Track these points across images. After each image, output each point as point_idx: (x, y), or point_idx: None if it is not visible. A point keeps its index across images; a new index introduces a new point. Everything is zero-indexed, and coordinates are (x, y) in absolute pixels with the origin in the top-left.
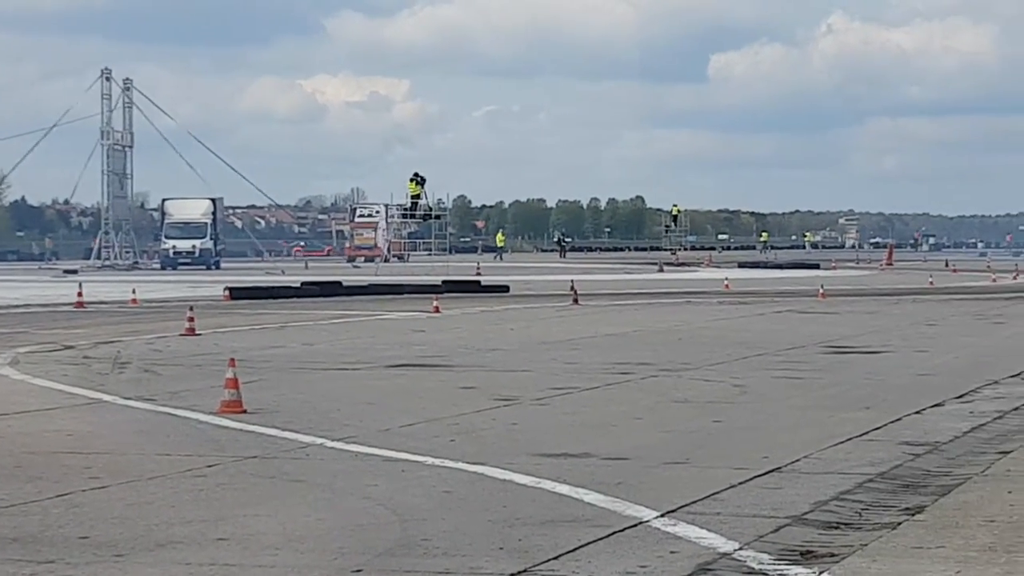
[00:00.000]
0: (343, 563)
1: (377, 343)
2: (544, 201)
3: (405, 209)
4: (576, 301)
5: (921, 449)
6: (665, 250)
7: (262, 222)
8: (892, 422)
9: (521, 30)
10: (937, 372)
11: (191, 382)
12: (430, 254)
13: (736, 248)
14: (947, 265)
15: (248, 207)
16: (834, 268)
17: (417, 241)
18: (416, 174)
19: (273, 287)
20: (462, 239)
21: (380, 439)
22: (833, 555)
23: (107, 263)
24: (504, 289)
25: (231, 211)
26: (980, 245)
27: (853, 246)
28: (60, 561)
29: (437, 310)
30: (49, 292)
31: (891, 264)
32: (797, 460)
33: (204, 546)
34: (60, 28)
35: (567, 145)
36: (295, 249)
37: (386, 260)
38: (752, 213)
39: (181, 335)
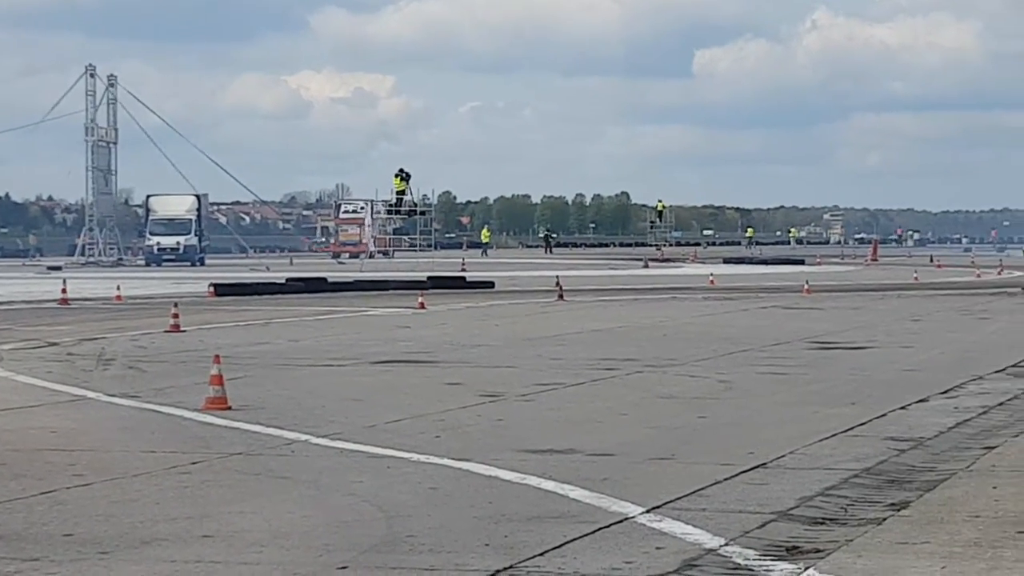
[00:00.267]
0: (328, 560)
1: (362, 339)
2: (529, 197)
3: (390, 205)
4: (561, 297)
5: (906, 445)
6: (650, 246)
7: (247, 218)
8: (877, 418)
9: (506, 26)
10: (922, 368)
11: (176, 379)
12: (415, 250)
13: (721, 244)
14: (932, 261)
15: (233, 203)
16: (819, 264)
17: (402, 237)
18: (401, 170)
19: (258, 283)
20: (447, 235)
21: (365, 435)
22: (818, 551)
23: (91, 260)
24: (489, 285)
25: (216, 207)
26: (964, 240)
27: (838, 242)
28: (44, 559)
29: (422, 306)
30: (33, 289)
31: (876, 260)
32: (782, 456)
33: (189, 543)
34: (43, 24)
35: (552, 141)
36: (313, 246)
37: (371, 256)
38: (737, 209)
39: (166, 332)
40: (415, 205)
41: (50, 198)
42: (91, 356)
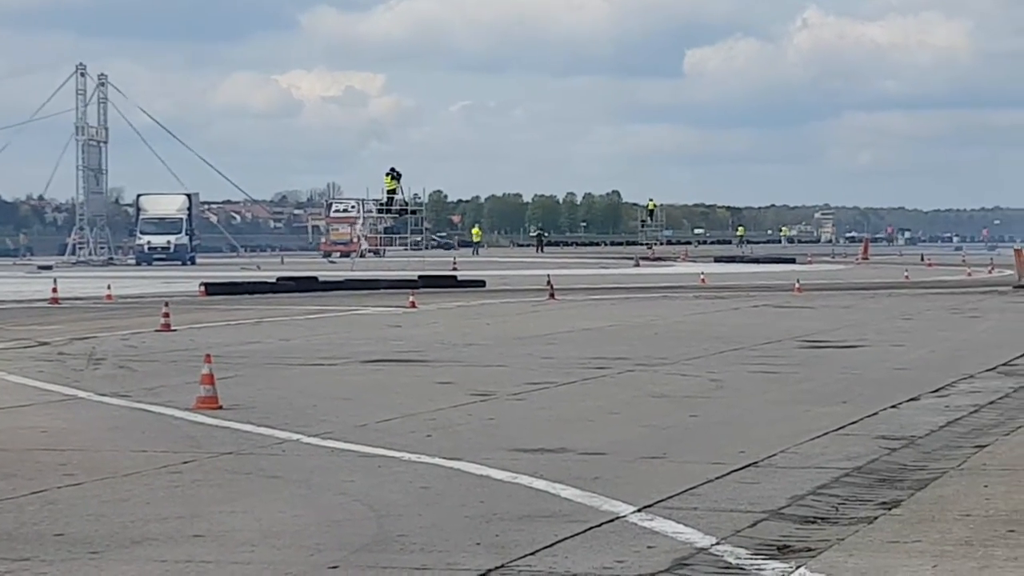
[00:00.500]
0: (320, 559)
1: (353, 338)
2: (520, 196)
3: (381, 204)
4: (552, 296)
5: (897, 443)
6: (641, 244)
7: (238, 217)
8: (868, 416)
9: (497, 25)
10: (913, 366)
11: (166, 378)
12: (406, 249)
13: (712, 242)
14: (922, 259)
15: (224, 202)
16: (810, 262)
17: (393, 236)
18: (392, 169)
19: (249, 283)
20: (438, 234)
21: (356, 435)
22: (810, 549)
23: (82, 259)
24: (480, 284)
25: (206, 206)
26: (955, 239)
27: (829, 240)
28: (35, 559)
29: (413, 305)
30: (23, 288)
31: (867, 258)
32: (774, 454)
33: (180, 543)
34: (33, 23)
35: (543, 140)
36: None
37: (362, 255)
38: (728, 207)
39: (156, 331)
40: (406, 204)
41: (40, 197)
42: (82, 355)
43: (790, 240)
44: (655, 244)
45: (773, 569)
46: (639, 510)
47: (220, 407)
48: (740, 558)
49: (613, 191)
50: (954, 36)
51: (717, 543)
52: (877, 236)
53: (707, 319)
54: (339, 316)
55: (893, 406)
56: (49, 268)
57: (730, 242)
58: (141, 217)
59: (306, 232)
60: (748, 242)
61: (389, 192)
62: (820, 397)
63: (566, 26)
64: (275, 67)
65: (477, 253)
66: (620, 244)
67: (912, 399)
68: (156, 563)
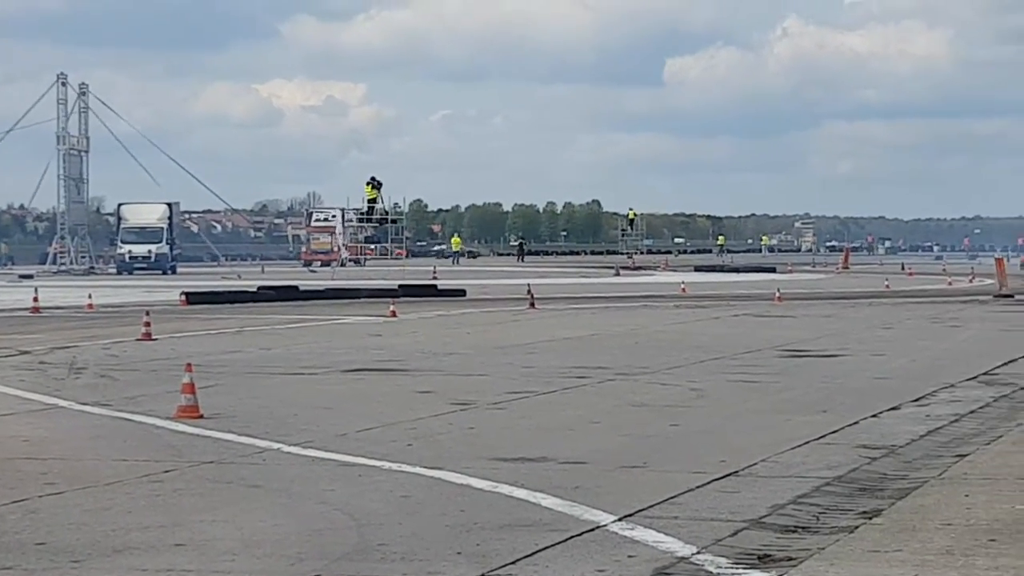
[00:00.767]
0: (300, 568)
1: (334, 348)
2: (500, 205)
3: (362, 213)
4: (533, 305)
5: (878, 453)
6: (621, 254)
7: (218, 226)
8: (849, 426)
9: (477, 34)
10: (893, 375)
11: (148, 387)
12: (387, 258)
13: (692, 252)
14: (903, 268)
15: (204, 211)
16: (790, 272)
17: (374, 245)
18: (373, 178)
19: (229, 292)
20: (418, 243)
21: (337, 444)
22: (791, 559)
23: (63, 268)
24: (461, 293)
25: (187, 215)
26: (936, 248)
27: (809, 250)
28: (17, 568)
29: (394, 314)
30: (4, 297)
31: (847, 268)
32: (754, 464)
33: (161, 552)
34: (12, 33)
35: (523, 149)
36: (367, 251)
37: (342, 264)
38: (708, 217)
39: (137, 340)
40: (386, 213)
41: (22, 207)
42: (63, 365)
43: (771, 249)
44: (635, 253)
45: None
46: (620, 519)
47: (201, 416)
48: (721, 567)
49: (593, 200)
50: (934, 45)
51: (698, 552)
52: (856, 245)
53: (687, 328)
54: (320, 325)
55: (874, 415)
56: (30, 277)
57: (710, 251)
58: (122, 226)
59: (287, 241)
60: (729, 251)
61: (370, 201)
62: (801, 406)
63: (546, 35)
64: (255, 76)
65: (457, 262)
66: (600, 253)
67: (893, 408)
68: (138, 572)
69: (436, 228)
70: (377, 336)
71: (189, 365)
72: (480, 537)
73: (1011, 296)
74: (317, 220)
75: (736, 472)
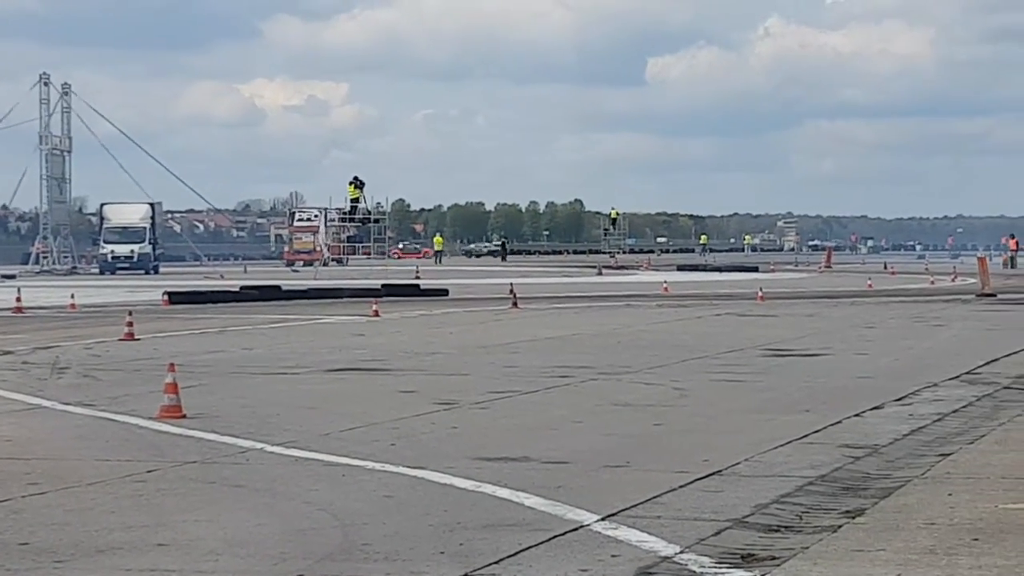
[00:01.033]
0: (284, 568)
1: (317, 347)
2: (483, 204)
3: (344, 213)
4: (515, 305)
5: (861, 452)
6: (604, 253)
7: (201, 226)
8: (832, 425)
9: (459, 34)
10: (876, 375)
11: (130, 387)
12: (369, 257)
13: (675, 251)
14: (886, 268)
15: (187, 211)
16: (773, 271)
17: (356, 245)
18: (355, 178)
19: (212, 291)
20: (401, 242)
21: (320, 443)
22: (774, 558)
23: (45, 268)
24: (443, 293)
25: (170, 215)
26: (918, 247)
27: (792, 249)
28: None
29: (376, 314)
30: None
31: (830, 267)
32: (737, 463)
33: (144, 552)
34: None
35: (505, 148)
36: (393, 251)
37: (325, 264)
38: (691, 216)
39: (120, 340)
40: (369, 213)
41: (4, 206)
42: (46, 365)
43: (753, 248)
44: (618, 253)
45: None
46: (603, 519)
47: (184, 416)
48: (704, 567)
49: (576, 200)
50: (916, 44)
51: (681, 552)
52: (842, 244)
53: (670, 328)
54: (302, 325)
55: (857, 414)
56: (12, 277)
57: (693, 251)
58: (105, 226)
59: (269, 241)
60: (711, 251)
61: (352, 201)
62: (783, 406)
63: (528, 34)
64: (238, 76)
65: (440, 262)
66: (583, 253)
67: (876, 407)
68: (121, 572)
69: (419, 228)
70: (360, 336)
71: (172, 365)
72: (463, 537)
73: (993, 295)
74: (300, 220)
75: (719, 471)
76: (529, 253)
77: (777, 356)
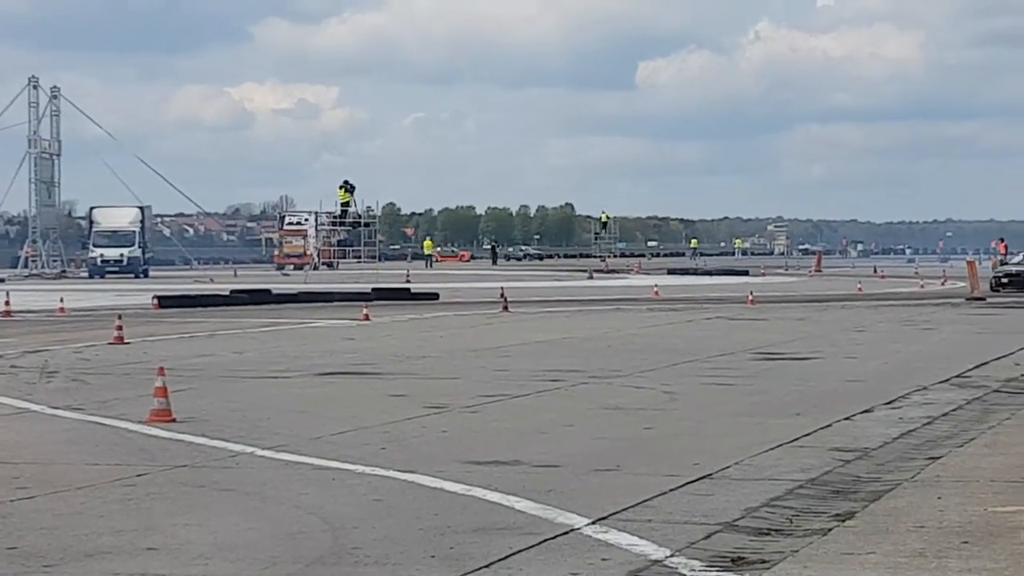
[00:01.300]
0: (274, 572)
1: (307, 351)
2: (473, 208)
3: (334, 216)
4: (506, 308)
5: (851, 455)
6: (595, 257)
7: (191, 230)
8: (822, 428)
9: (449, 37)
10: (866, 378)
11: (120, 391)
12: (359, 261)
13: (666, 255)
14: (876, 271)
15: (176, 215)
16: (763, 275)
17: (347, 249)
18: (346, 181)
19: (202, 295)
20: (391, 246)
21: (310, 447)
22: (764, 561)
23: (34, 272)
24: (434, 296)
25: (159, 219)
26: (908, 251)
27: (782, 253)
28: None
29: (367, 318)
30: None
31: (820, 271)
32: (728, 466)
33: (134, 556)
34: None
35: (496, 152)
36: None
37: (315, 268)
38: (681, 220)
39: (110, 344)
40: (359, 216)
41: None
42: (35, 368)
43: (744, 252)
44: (608, 256)
45: None
46: (593, 522)
47: (174, 420)
48: (694, 570)
49: (566, 203)
50: (906, 48)
51: (671, 555)
52: (833, 248)
53: (660, 331)
54: (293, 329)
55: (847, 418)
56: (1, 281)
57: (684, 254)
58: (94, 230)
59: (260, 245)
60: (702, 254)
61: (343, 205)
62: (774, 409)
63: (519, 38)
64: (227, 80)
65: (430, 265)
66: (574, 256)
67: (865, 411)
68: None
69: (409, 231)
70: (350, 340)
71: (161, 369)
72: (454, 540)
73: (983, 299)
74: (290, 224)
75: (709, 475)
76: (519, 258)
77: (767, 360)
